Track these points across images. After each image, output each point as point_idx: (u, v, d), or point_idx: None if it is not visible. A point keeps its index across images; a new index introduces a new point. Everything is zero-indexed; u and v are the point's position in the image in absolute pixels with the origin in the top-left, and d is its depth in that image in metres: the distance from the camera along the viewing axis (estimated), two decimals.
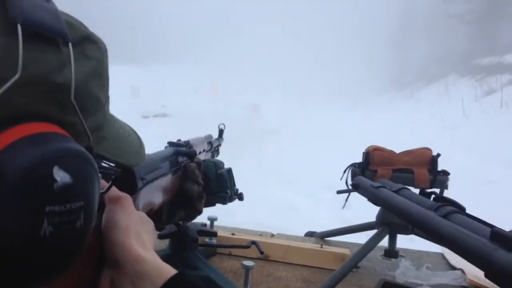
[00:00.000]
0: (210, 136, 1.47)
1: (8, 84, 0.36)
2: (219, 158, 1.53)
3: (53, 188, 0.36)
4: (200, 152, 1.24)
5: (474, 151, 9.01)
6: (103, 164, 0.53)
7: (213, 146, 1.48)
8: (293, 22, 31.74)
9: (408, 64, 27.76)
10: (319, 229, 1.78)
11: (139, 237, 0.52)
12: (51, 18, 0.41)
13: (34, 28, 0.39)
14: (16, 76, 0.37)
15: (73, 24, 0.45)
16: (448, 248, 0.68)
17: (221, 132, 1.58)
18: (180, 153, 0.97)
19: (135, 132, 0.64)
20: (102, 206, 0.54)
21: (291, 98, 18.92)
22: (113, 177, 0.53)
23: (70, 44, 0.42)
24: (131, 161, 0.58)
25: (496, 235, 0.59)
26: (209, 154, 1.43)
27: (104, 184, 0.52)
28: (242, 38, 30.09)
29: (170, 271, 0.49)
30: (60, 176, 0.37)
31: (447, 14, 24.86)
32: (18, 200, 0.34)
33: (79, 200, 0.39)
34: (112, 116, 0.55)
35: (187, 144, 1.11)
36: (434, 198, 0.89)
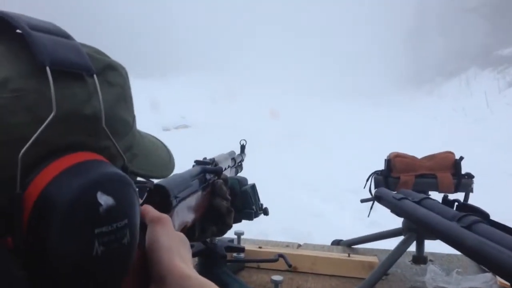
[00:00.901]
0: (233, 152, 1.50)
1: (44, 124, 0.40)
2: (243, 172, 1.57)
3: (99, 212, 0.40)
4: (225, 169, 1.27)
5: (499, 144, 8.84)
6: (138, 178, 0.57)
7: (237, 161, 1.50)
8: (308, 24, 31.66)
9: (426, 61, 27.36)
10: (346, 234, 1.78)
11: (181, 255, 0.55)
12: (75, 55, 0.44)
13: (61, 68, 0.42)
14: (52, 115, 0.40)
15: (94, 55, 0.49)
16: (473, 260, 0.69)
17: (243, 147, 1.61)
18: (207, 171, 1.00)
19: (163, 143, 0.67)
20: (143, 226, 0.57)
21: (309, 101, 18.85)
22: (147, 189, 0.56)
23: (95, 76, 0.45)
24: (162, 173, 0.62)
25: None
26: (233, 170, 1.46)
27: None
28: (256, 43, 30.14)
29: (212, 286, 0.52)
30: (104, 199, 0.41)
31: (462, 8, 24.50)
32: (70, 227, 0.38)
33: (123, 219, 0.43)
34: (140, 133, 0.59)
35: (212, 161, 1.14)
36: (457, 207, 0.89)
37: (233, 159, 1.47)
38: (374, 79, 25.05)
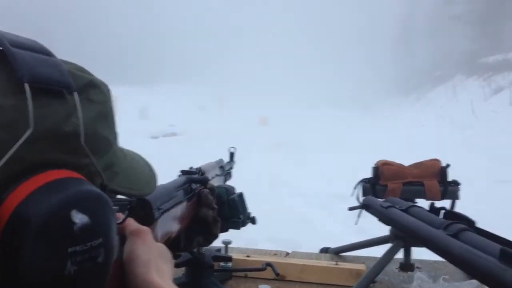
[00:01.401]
0: (221, 161, 1.49)
1: (20, 141, 0.39)
2: (232, 179, 1.56)
3: (73, 230, 0.39)
4: (212, 178, 1.27)
5: (485, 151, 8.94)
6: (118, 196, 0.56)
7: (225, 169, 1.50)
8: (296, 32, 31.87)
9: (413, 68, 27.67)
10: (334, 241, 1.78)
11: (159, 269, 0.54)
12: (55, 72, 0.44)
13: (40, 85, 0.42)
14: (28, 133, 0.39)
15: (75, 73, 0.48)
16: (459, 268, 0.69)
17: (232, 155, 1.60)
18: (193, 181, 0.99)
19: (145, 161, 0.66)
20: (123, 239, 0.56)
21: (298, 108, 18.95)
22: (128, 207, 0.55)
23: (75, 93, 0.45)
24: (144, 191, 0.61)
25: (506, 254, 0.60)
26: (222, 178, 1.45)
27: (119, 216, 0.55)
28: (245, 52, 30.24)
29: None
30: (79, 218, 0.40)
31: (448, 15, 24.85)
32: (42, 244, 0.38)
33: (98, 238, 0.42)
34: (122, 150, 0.58)
35: (199, 171, 1.14)
36: (444, 214, 0.89)
37: (222, 167, 1.46)
38: (362, 86, 25.28)
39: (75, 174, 0.44)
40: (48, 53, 0.46)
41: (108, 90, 0.53)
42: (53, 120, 0.42)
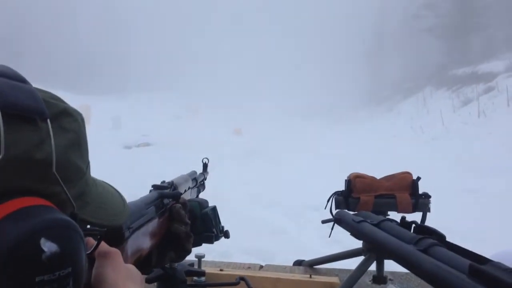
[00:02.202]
0: (194, 173, 1.48)
1: None
2: (206, 190, 1.55)
3: (41, 259, 0.38)
4: (185, 191, 1.25)
5: (455, 161, 9.15)
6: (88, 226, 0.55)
7: (198, 181, 1.48)
8: (272, 44, 32.14)
9: (384, 79, 28.24)
10: (308, 251, 1.79)
11: None
12: (29, 99, 0.43)
13: (13, 111, 0.41)
14: None
15: (49, 101, 0.48)
16: (429, 284, 0.70)
17: (205, 166, 1.59)
18: (165, 196, 0.98)
19: (117, 191, 0.66)
20: (91, 261, 0.55)
21: (273, 118, 19.04)
22: (98, 237, 0.54)
23: (48, 121, 0.44)
24: (115, 222, 0.60)
25: (474, 270, 0.61)
26: (195, 190, 1.44)
27: (91, 242, 0.54)
28: (219, 62, 30.31)
29: None
30: (47, 246, 0.39)
31: (417, 28, 25.49)
32: (9, 273, 0.37)
33: (67, 267, 0.41)
34: (94, 180, 0.57)
35: (171, 185, 1.12)
36: (414, 229, 0.90)
37: (195, 179, 1.44)
38: (334, 98, 25.62)
39: (45, 202, 0.43)
40: (22, 80, 0.46)
41: (82, 119, 0.52)
42: (24, 147, 0.42)
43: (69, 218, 0.43)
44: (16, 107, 0.42)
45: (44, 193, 0.44)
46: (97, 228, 0.56)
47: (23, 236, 0.38)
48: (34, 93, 0.45)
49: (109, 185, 0.64)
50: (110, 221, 0.58)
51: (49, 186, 0.45)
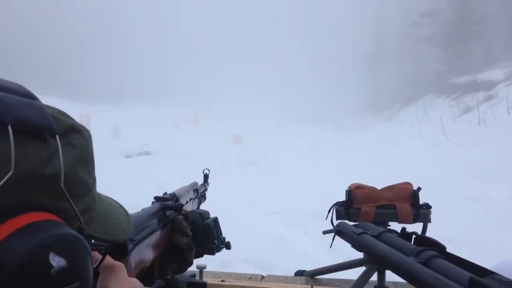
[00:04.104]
0: (195, 184, 1.48)
1: (2, 182, 0.39)
2: (207, 200, 1.55)
3: (50, 274, 0.39)
4: (186, 202, 1.26)
5: (456, 170, 9.14)
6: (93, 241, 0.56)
7: (199, 192, 1.49)
8: (271, 53, 32.22)
9: (384, 87, 28.29)
10: (309, 260, 1.78)
11: None
12: (38, 115, 0.44)
13: (23, 128, 0.42)
14: (9, 174, 0.39)
15: (57, 117, 0.48)
16: None
17: (206, 177, 1.59)
18: (167, 207, 0.99)
19: (121, 206, 0.66)
20: (96, 274, 0.55)
21: (273, 127, 19.05)
22: (103, 252, 0.55)
23: (57, 137, 0.45)
24: (120, 237, 0.61)
25: (474, 284, 0.62)
26: (196, 201, 1.44)
27: (97, 256, 0.55)
28: (220, 70, 30.38)
29: None
30: (56, 261, 0.39)
31: (417, 37, 25.58)
32: None
33: (75, 282, 0.42)
34: (99, 196, 0.58)
35: (173, 196, 1.13)
36: (415, 240, 0.91)
37: (196, 190, 1.45)
38: (335, 106, 25.65)
39: (53, 217, 0.44)
40: (32, 97, 0.46)
41: (89, 135, 0.53)
42: (34, 163, 0.42)
43: (77, 233, 0.44)
44: (25, 123, 0.42)
45: (53, 208, 0.45)
46: (102, 243, 0.57)
47: (32, 251, 0.38)
48: (43, 110, 0.46)
49: (114, 200, 0.65)
50: (115, 236, 0.59)
51: (58, 202, 0.45)
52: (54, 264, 0.39)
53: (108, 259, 0.58)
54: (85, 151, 0.51)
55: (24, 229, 0.40)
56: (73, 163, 0.48)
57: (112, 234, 0.58)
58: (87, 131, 0.53)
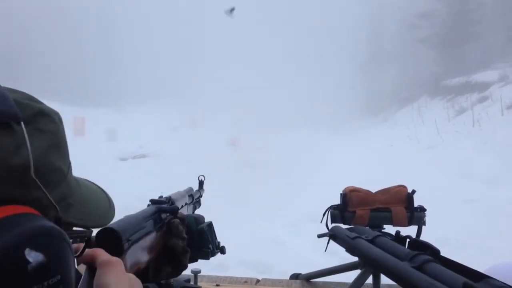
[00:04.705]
0: (190, 189, 1.48)
1: None
2: (203, 206, 1.55)
3: (28, 270, 0.37)
4: (182, 206, 1.25)
5: (451, 171, 9.16)
6: (74, 228, 0.54)
7: (194, 198, 1.49)
8: (268, 55, 32.24)
9: (380, 89, 28.37)
10: (304, 263, 1.78)
11: None
12: (0, 103, 0.42)
13: None
14: None
15: (23, 102, 0.46)
16: None
17: (201, 183, 1.59)
18: (163, 210, 0.98)
19: (102, 190, 0.64)
20: (93, 270, 0.55)
21: (269, 129, 19.04)
22: (86, 238, 0.54)
23: (22, 124, 0.43)
24: (101, 222, 0.59)
25: None
26: (191, 206, 1.44)
27: (80, 246, 0.54)
28: (217, 73, 30.36)
29: None
30: (33, 256, 0.38)
31: (412, 39, 25.67)
32: None
33: (55, 275, 0.40)
34: (76, 181, 0.56)
35: (169, 200, 1.13)
36: (409, 243, 0.91)
37: (191, 195, 1.45)
38: (332, 108, 25.66)
39: (26, 209, 0.42)
40: None
41: (59, 119, 0.51)
42: (0, 154, 0.40)
43: (52, 224, 0.42)
44: None
45: (25, 199, 0.43)
46: (83, 229, 0.55)
47: (6, 249, 0.36)
48: (5, 96, 0.43)
49: (93, 183, 0.63)
50: (96, 221, 0.57)
51: (29, 192, 0.43)
52: (31, 259, 0.38)
53: (106, 254, 0.57)
54: (56, 136, 0.49)
55: None
56: (43, 150, 0.46)
57: (91, 219, 0.56)
58: (57, 114, 0.51)
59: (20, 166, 0.42)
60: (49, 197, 0.45)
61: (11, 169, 0.41)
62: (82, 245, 0.54)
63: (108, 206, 0.63)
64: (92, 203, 0.58)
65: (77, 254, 0.52)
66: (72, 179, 0.54)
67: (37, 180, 0.43)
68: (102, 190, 0.65)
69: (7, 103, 0.43)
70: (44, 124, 0.48)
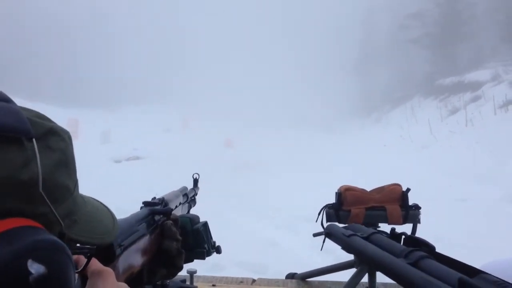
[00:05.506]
0: (185, 188, 1.47)
1: None
2: (198, 205, 1.54)
3: (29, 281, 0.38)
4: (176, 207, 1.25)
5: (444, 170, 9.21)
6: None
7: (189, 197, 1.48)
8: (261, 55, 32.27)
9: (373, 89, 28.48)
10: (300, 262, 1.78)
11: None
12: (13, 119, 0.43)
13: None
14: None
15: (35, 120, 0.47)
16: None
17: (195, 181, 1.59)
18: (156, 212, 0.98)
19: (106, 208, 0.65)
20: (84, 280, 0.55)
21: (263, 130, 19.05)
22: (88, 255, 0.54)
23: (34, 140, 0.44)
24: (104, 240, 0.60)
25: (463, 284, 0.62)
26: (186, 205, 1.44)
27: (82, 260, 0.54)
28: (210, 73, 30.35)
29: None
30: (35, 268, 0.38)
31: (405, 39, 25.79)
32: None
33: None
34: (82, 198, 0.57)
35: (162, 201, 1.12)
36: (404, 240, 0.91)
37: (185, 195, 1.44)
38: (325, 108, 25.72)
39: (31, 223, 0.43)
40: (7, 100, 0.46)
41: (69, 137, 0.52)
42: (10, 168, 0.41)
43: (56, 239, 0.43)
44: (1, 128, 0.42)
45: (31, 213, 0.44)
46: (87, 246, 0.56)
47: (10, 259, 0.37)
48: (19, 113, 0.45)
49: (98, 202, 0.64)
50: (100, 239, 0.58)
51: (36, 206, 0.44)
52: (33, 271, 0.38)
53: (97, 264, 0.57)
54: (65, 154, 0.50)
55: (1, 236, 0.39)
56: (52, 167, 0.47)
57: (96, 237, 0.57)
58: (67, 133, 0.52)
59: (29, 181, 0.43)
60: (55, 213, 0.46)
61: (20, 184, 0.42)
62: (81, 257, 0.55)
63: (112, 224, 0.63)
64: (96, 221, 0.59)
65: (78, 270, 0.53)
66: (78, 196, 0.55)
67: (44, 195, 0.44)
68: (107, 208, 0.66)
69: (20, 119, 0.44)
70: (54, 142, 0.49)
